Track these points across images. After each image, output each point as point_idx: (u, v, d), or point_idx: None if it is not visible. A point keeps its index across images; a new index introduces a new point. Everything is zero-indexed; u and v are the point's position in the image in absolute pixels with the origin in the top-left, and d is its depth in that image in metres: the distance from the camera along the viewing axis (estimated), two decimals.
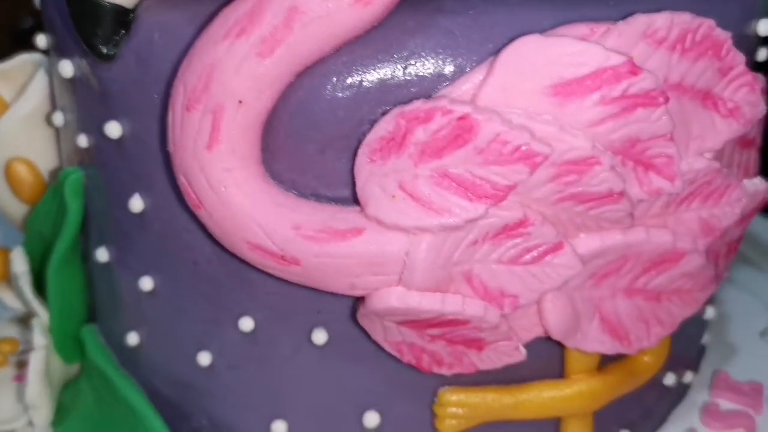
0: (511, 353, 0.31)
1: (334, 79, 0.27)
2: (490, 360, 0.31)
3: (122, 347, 0.37)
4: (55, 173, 0.39)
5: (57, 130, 0.38)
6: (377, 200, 0.28)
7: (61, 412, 0.40)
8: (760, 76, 0.33)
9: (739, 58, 0.30)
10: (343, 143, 0.28)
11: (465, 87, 0.27)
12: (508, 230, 0.28)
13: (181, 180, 0.29)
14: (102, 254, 0.36)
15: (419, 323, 0.29)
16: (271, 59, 0.27)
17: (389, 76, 0.27)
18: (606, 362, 0.34)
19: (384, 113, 0.27)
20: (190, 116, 0.27)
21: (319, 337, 0.32)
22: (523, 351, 0.31)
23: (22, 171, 0.39)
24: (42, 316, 0.39)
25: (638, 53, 0.28)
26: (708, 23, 0.29)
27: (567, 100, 0.27)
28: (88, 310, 0.40)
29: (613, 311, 0.32)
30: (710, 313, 0.40)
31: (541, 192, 0.28)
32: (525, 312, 0.31)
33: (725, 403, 0.42)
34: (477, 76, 0.27)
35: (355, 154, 0.28)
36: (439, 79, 0.27)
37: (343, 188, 0.29)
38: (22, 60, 0.40)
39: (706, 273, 0.33)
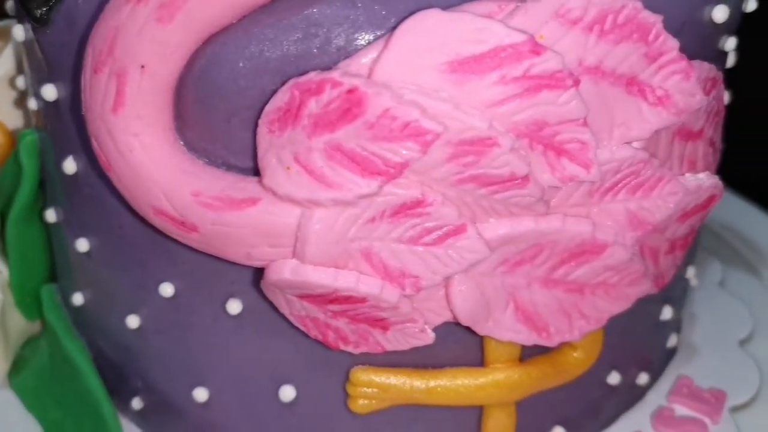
0: (417, 335, 0.30)
1: (235, 48, 0.27)
2: (397, 341, 0.31)
3: (71, 307, 0.38)
4: None
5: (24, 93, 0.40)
6: (273, 171, 0.28)
7: (19, 365, 0.41)
8: (701, 64, 0.31)
9: (671, 44, 0.29)
10: (247, 113, 0.28)
11: (363, 60, 0.27)
12: (406, 209, 0.28)
13: (93, 143, 0.29)
14: (51, 215, 0.37)
15: (318, 298, 0.29)
16: (172, 25, 0.27)
17: (290, 46, 0.27)
18: (530, 354, 0.33)
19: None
20: (97, 79, 0.28)
21: (234, 307, 0.32)
22: (431, 334, 0.30)
23: None
24: (3, 272, 0.41)
25: (548, 33, 0.27)
26: (633, 5, 0.28)
27: (465, 78, 0.26)
28: (51, 269, 0.41)
29: (530, 301, 0.31)
30: (668, 313, 0.39)
31: (440, 172, 0.27)
32: (433, 295, 0.30)
33: (682, 409, 0.40)
34: (376, 49, 0.27)
35: None
36: (339, 51, 0.27)
37: (250, 158, 0.29)
38: (3, 26, 0.42)
39: (635, 268, 0.31)
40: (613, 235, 0.30)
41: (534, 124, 0.27)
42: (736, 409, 0.41)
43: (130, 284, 0.34)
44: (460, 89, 0.26)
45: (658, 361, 0.41)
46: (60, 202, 0.36)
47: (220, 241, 0.29)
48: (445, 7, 0.27)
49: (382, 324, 0.30)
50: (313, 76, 0.27)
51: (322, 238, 0.28)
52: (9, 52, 0.41)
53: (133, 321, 0.34)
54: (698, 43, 0.31)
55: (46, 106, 0.34)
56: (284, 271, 0.28)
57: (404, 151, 0.26)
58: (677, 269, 0.35)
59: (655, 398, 0.40)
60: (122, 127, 0.28)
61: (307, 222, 0.27)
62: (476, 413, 0.34)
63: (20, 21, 0.35)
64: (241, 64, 0.27)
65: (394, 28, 0.27)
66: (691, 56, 0.31)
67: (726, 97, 0.37)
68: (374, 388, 0.32)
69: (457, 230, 0.28)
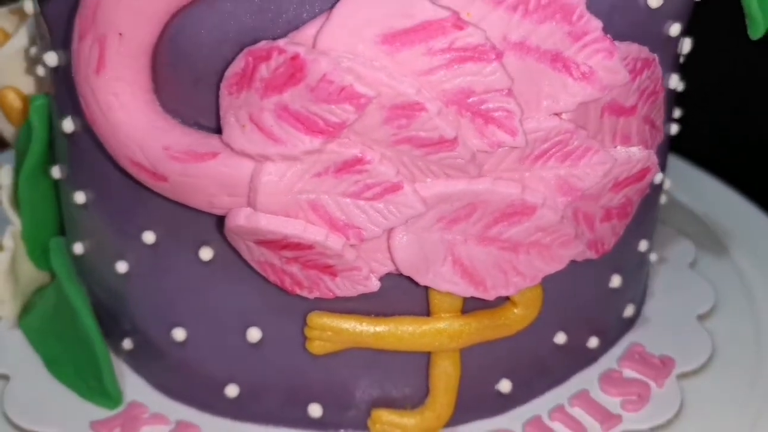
0: (363, 283, 0.34)
1: (200, 19, 0.31)
2: (345, 287, 0.34)
3: (74, 257, 0.43)
4: None
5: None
6: (231, 128, 0.31)
7: (28, 309, 0.46)
8: (630, 46, 0.34)
9: (594, 24, 0.31)
10: (212, 78, 0.32)
11: (309, 32, 0.30)
12: (348, 166, 0.31)
13: (81, 102, 0.33)
14: (56, 171, 0.41)
15: (271, 244, 0.33)
16: None
17: (246, 19, 0.31)
18: (474, 308, 0.36)
19: None
20: (82, 45, 0.32)
21: (206, 254, 0.36)
22: (376, 282, 0.34)
23: (11, 98, 0.45)
24: (16, 223, 0.45)
25: (474, 11, 0.30)
26: None
27: (396, 49, 0.30)
28: (60, 223, 0.46)
29: (467, 256, 0.34)
30: (617, 281, 0.41)
31: (378, 134, 0.31)
32: (378, 246, 0.33)
33: (630, 373, 0.43)
34: (320, 22, 0.30)
35: None
36: (289, 24, 0.31)
37: (214, 118, 0.32)
38: (19, 6, 0.47)
39: (565, 231, 0.34)
40: (542, 198, 0.33)
41: (461, 93, 0.30)
42: (685, 376, 0.43)
43: (118, 232, 0.38)
44: (392, 59, 0.30)
45: (613, 329, 0.44)
46: (62, 159, 0.40)
47: (186, 191, 0.33)
48: None
49: (330, 270, 0.33)
50: (263, 44, 0.30)
51: (272, 188, 0.31)
52: (24, 28, 0.45)
53: (121, 266, 0.39)
54: (630, 26, 0.34)
55: (49, 72, 0.38)
56: (240, 218, 0.32)
57: (341, 113, 0.30)
58: (618, 237, 0.38)
59: (606, 362, 0.43)
60: (103, 87, 0.32)
61: (258, 174, 0.31)
62: (425, 360, 0.37)
63: None
64: (204, 34, 0.31)
65: (336, 3, 0.30)
66: (621, 38, 0.33)
67: (674, 81, 0.40)
68: (328, 331, 0.36)
69: (395, 187, 0.32)
